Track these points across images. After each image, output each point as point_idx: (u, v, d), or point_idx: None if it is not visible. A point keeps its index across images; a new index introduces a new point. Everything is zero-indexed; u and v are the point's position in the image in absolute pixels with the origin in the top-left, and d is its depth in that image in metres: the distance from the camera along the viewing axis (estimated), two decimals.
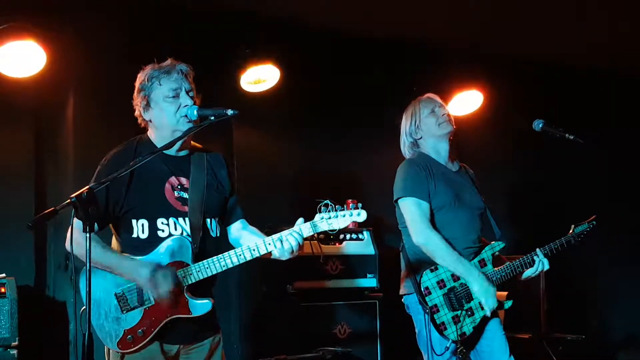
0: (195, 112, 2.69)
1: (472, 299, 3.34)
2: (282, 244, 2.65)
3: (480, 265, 3.41)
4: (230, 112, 2.59)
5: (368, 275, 4.54)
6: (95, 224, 2.42)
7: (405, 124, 3.60)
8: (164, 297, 2.59)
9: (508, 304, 3.42)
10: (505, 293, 3.48)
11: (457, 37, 5.34)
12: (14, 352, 3.64)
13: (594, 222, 3.58)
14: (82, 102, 4.37)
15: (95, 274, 2.45)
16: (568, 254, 3.58)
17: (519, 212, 5.67)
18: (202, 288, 2.70)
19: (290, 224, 4.42)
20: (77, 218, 2.26)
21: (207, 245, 2.74)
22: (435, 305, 3.31)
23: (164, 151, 2.75)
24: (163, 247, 2.67)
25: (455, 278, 3.35)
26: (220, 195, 2.86)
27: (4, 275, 3.74)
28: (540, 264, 3.42)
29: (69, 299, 4.22)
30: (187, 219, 2.72)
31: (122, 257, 2.66)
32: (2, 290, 3.67)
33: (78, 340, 2.30)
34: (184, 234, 2.71)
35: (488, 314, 3.31)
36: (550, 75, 5.93)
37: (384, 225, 5.14)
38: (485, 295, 3.30)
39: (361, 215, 2.69)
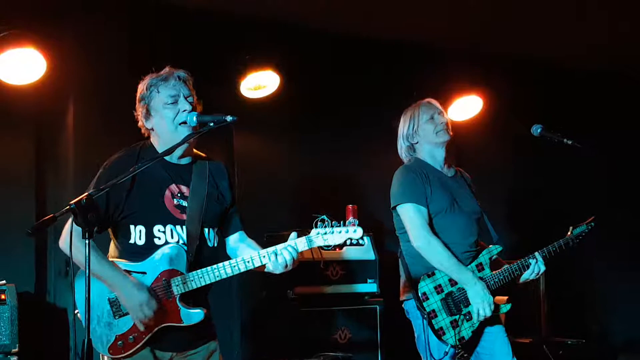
0: (194, 118, 2.70)
1: (470, 304, 3.34)
2: (277, 258, 2.66)
3: (478, 269, 3.41)
4: (229, 118, 2.60)
5: (368, 281, 4.54)
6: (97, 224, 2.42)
7: (403, 127, 3.61)
8: (141, 322, 2.60)
9: (506, 307, 3.42)
10: (506, 297, 3.48)
11: (456, 40, 5.36)
12: (14, 358, 3.65)
13: (593, 224, 3.58)
14: (82, 108, 4.38)
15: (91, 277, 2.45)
16: (568, 258, 3.59)
17: (518, 217, 5.67)
18: (195, 297, 2.70)
19: (291, 228, 4.44)
20: (76, 224, 2.27)
21: (203, 254, 2.74)
22: (433, 311, 3.32)
23: (166, 159, 2.77)
24: (158, 254, 2.67)
25: (453, 283, 3.36)
26: (220, 206, 2.86)
27: (4, 281, 3.74)
28: (537, 266, 3.42)
29: (69, 305, 4.22)
30: (184, 227, 2.72)
31: (116, 270, 2.63)
32: (3, 296, 3.68)
33: (78, 344, 2.31)
34: (180, 242, 2.71)
35: (480, 319, 3.32)
36: (550, 78, 5.94)
37: (385, 231, 5.14)
38: (481, 304, 3.31)
39: (357, 233, 2.70)
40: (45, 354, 4.11)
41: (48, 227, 2.44)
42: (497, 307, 3.37)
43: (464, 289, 3.35)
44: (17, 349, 3.66)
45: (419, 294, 3.33)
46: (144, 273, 2.66)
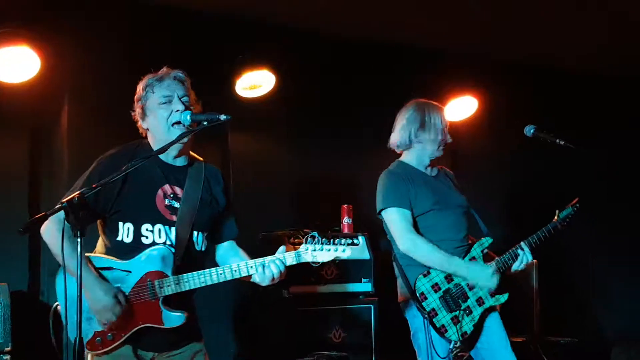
0: (188, 117, 2.69)
1: (468, 298, 3.39)
2: (264, 270, 2.67)
3: None
4: (223, 117, 2.61)
5: (363, 280, 4.54)
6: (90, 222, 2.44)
7: (410, 124, 3.57)
8: (104, 325, 2.60)
9: (504, 297, 3.45)
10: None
11: (453, 42, 5.37)
12: (7, 357, 3.64)
13: (577, 205, 3.61)
14: (76, 107, 4.37)
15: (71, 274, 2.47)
16: (561, 257, 3.62)
17: (514, 215, 5.68)
18: (180, 300, 2.70)
19: (286, 228, 4.46)
20: (68, 222, 2.26)
21: (190, 258, 2.74)
22: (433, 309, 3.34)
23: (163, 159, 2.77)
24: (145, 254, 2.67)
25: (449, 280, 3.39)
26: (213, 211, 2.86)
27: None
28: (524, 256, 3.46)
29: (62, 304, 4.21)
30: (173, 228, 2.72)
31: (88, 270, 2.60)
32: None
33: (70, 340, 2.31)
34: (168, 243, 2.70)
35: (488, 295, 3.36)
36: (545, 80, 5.96)
37: (379, 230, 5.13)
38: (483, 279, 3.36)
39: (346, 252, 2.72)
40: (39, 352, 4.10)
41: (40, 225, 2.45)
42: (494, 296, 3.42)
43: (460, 285, 3.39)
44: (10, 348, 3.65)
45: (417, 295, 3.36)
46: (129, 272, 2.66)
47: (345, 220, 4.76)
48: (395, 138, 3.63)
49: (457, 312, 3.35)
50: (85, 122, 4.37)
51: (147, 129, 2.82)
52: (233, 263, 2.72)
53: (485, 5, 4.84)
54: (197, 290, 2.76)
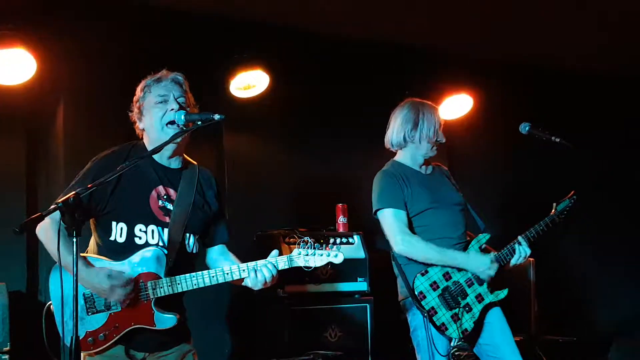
0: (182, 117, 2.71)
1: (467, 295, 3.41)
2: (256, 274, 2.69)
3: None
4: (217, 116, 2.63)
5: (359, 279, 4.54)
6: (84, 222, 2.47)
7: (404, 123, 3.59)
8: (121, 302, 2.62)
9: (503, 293, 3.48)
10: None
11: (451, 41, 5.38)
12: (6, 357, 3.65)
13: (575, 197, 3.63)
14: (72, 108, 4.39)
15: (66, 270, 2.48)
16: (558, 256, 3.63)
17: (508, 213, 5.70)
18: (171, 301, 2.71)
19: (280, 228, 4.47)
20: (64, 223, 2.28)
21: (182, 260, 2.76)
22: (433, 308, 3.36)
23: (157, 160, 2.79)
24: (138, 256, 2.69)
25: (448, 278, 3.42)
26: (205, 215, 2.88)
27: None
28: (522, 250, 3.48)
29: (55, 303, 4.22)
30: (166, 230, 2.74)
31: (84, 263, 2.63)
32: None
33: (65, 339, 2.33)
34: (160, 244, 2.72)
35: (487, 291, 3.39)
36: (540, 79, 5.98)
37: (375, 230, 5.14)
38: (481, 267, 3.39)
39: (338, 258, 2.75)
40: (37, 352, 4.11)
41: (36, 226, 2.47)
42: (493, 292, 3.45)
43: (459, 282, 3.41)
44: (8, 348, 3.67)
45: (416, 294, 3.38)
46: (122, 273, 2.67)
47: (341, 219, 4.77)
48: (390, 137, 3.65)
49: (457, 309, 3.37)
50: (81, 124, 4.39)
51: (143, 130, 2.84)
52: (225, 266, 2.73)
53: (483, 4, 4.86)
54: (192, 291, 2.77)
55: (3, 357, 3.65)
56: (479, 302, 3.43)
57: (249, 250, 2.95)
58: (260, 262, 2.72)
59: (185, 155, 2.91)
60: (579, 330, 5.47)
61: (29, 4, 4.15)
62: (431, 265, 3.43)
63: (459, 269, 3.46)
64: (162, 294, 2.66)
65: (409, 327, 3.54)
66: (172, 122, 2.74)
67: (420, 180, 3.56)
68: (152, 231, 2.72)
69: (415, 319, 3.46)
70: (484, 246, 3.53)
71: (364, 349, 4.46)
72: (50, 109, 4.41)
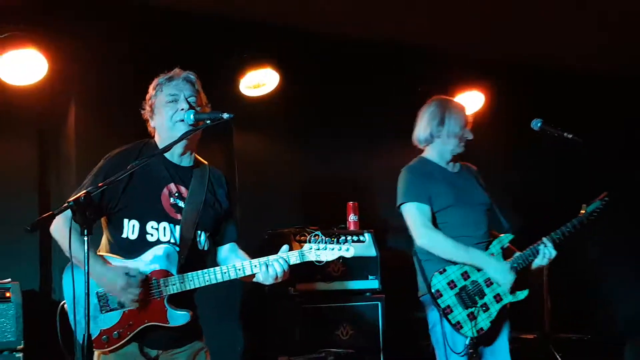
0: (191, 116, 2.72)
1: (485, 295, 3.41)
2: (267, 269, 2.69)
3: None
4: (225, 115, 2.63)
5: (370, 277, 4.55)
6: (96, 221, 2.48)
7: (431, 119, 3.62)
8: (132, 302, 2.63)
9: (523, 293, 3.47)
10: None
11: (455, 41, 5.37)
12: (20, 355, 3.68)
13: (607, 199, 3.59)
14: (83, 108, 4.42)
15: (79, 269, 2.50)
16: (570, 252, 3.61)
17: (519, 210, 5.67)
18: (183, 298, 2.72)
19: (291, 226, 4.47)
20: (75, 221, 2.29)
21: (194, 257, 2.76)
22: (448, 306, 3.37)
23: (169, 158, 2.81)
24: (150, 253, 2.69)
25: (466, 277, 3.43)
26: (216, 213, 2.89)
27: (9, 279, 3.77)
28: (547, 251, 3.47)
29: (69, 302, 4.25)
30: (178, 227, 2.75)
31: (98, 260, 2.64)
32: (8, 294, 3.70)
33: (78, 337, 2.34)
34: (172, 241, 2.73)
35: (508, 289, 3.38)
36: (541, 79, 5.94)
37: (386, 227, 5.16)
38: (501, 272, 3.39)
39: (349, 252, 2.74)
40: (50, 350, 4.14)
41: (48, 224, 2.48)
42: (514, 292, 3.44)
43: (477, 282, 3.42)
44: (22, 346, 3.69)
45: (433, 291, 3.39)
46: (138, 270, 2.66)
47: (351, 217, 4.77)
48: (417, 134, 3.68)
49: (474, 308, 3.37)
50: (92, 123, 4.42)
51: (154, 128, 2.87)
52: (237, 262, 2.74)
53: (483, 4, 4.84)
54: (204, 289, 2.79)
55: (17, 355, 3.68)
56: (497, 302, 3.43)
57: (260, 249, 2.95)
58: (272, 257, 2.71)
59: (197, 155, 2.93)
60: (592, 328, 5.43)
61: (40, 5, 4.17)
62: (450, 263, 3.43)
63: (479, 269, 3.46)
64: (175, 291, 2.67)
65: (427, 324, 3.56)
66: (181, 121, 2.75)
67: (445, 177, 3.58)
68: (164, 228, 2.73)
69: (433, 315, 3.48)
70: (506, 246, 3.54)
71: (376, 347, 4.46)
72: (62, 109, 4.44)
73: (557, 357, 4.75)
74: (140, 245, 2.70)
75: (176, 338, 2.75)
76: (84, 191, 2.32)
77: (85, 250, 2.28)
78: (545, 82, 5.91)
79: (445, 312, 3.35)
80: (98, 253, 2.75)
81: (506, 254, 3.53)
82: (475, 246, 3.46)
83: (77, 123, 4.38)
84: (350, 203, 4.79)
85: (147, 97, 2.86)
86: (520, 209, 5.64)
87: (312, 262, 2.76)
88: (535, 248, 3.48)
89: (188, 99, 2.78)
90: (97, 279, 2.62)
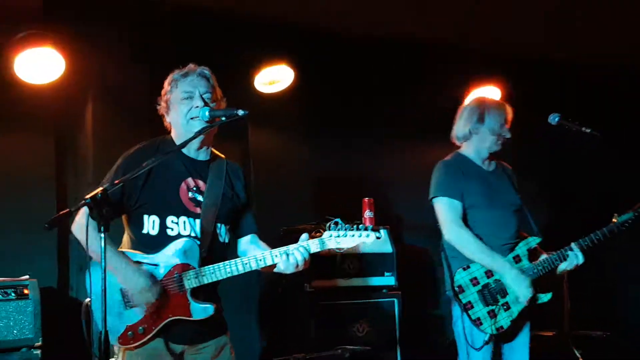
0: (206, 113, 2.72)
1: (508, 294, 3.42)
2: (288, 258, 2.67)
3: (515, 261, 3.50)
4: (240, 112, 2.63)
5: (386, 274, 4.54)
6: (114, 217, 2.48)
7: (470, 116, 3.65)
8: (145, 306, 2.64)
9: (547, 296, 3.48)
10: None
11: (473, 37, 5.33)
12: (38, 352, 3.69)
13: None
14: (100, 106, 4.45)
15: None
16: (590, 249, 3.57)
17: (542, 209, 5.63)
18: (206, 291, 2.73)
19: (307, 223, 4.47)
20: (92, 218, 2.30)
21: (215, 250, 2.77)
22: (469, 302, 3.41)
23: (185, 153, 2.82)
24: (171, 247, 2.70)
25: (489, 275, 3.45)
26: (234, 205, 2.90)
27: (27, 276, 3.80)
28: (575, 257, 3.48)
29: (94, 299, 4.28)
30: (198, 220, 2.76)
31: (120, 257, 2.65)
32: (26, 291, 3.73)
33: (94, 334, 2.35)
34: (193, 235, 2.74)
35: (524, 303, 3.39)
36: (568, 74, 5.88)
37: (402, 223, 5.14)
38: (518, 286, 3.39)
39: (370, 237, 2.70)
40: (68, 347, 4.18)
41: (66, 221, 2.49)
42: (536, 295, 3.44)
43: (500, 281, 3.43)
44: (40, 343, 3.71)
45: (455, 287, 3.43)
46: (156, 265, 2.70)
47: (367, 213, 4.75)
48: (456, 130, 3.71)
49: (495, 306, 3.39)
50: (109, 121, 4.44)
51: (170, 123, 2.88)
52: (257, 253, 2.73)
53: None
54: (222, 285, 2.80)
55: (35, 352, 3.70)
56: (519, 302, 3.43)
57: (275, 246, 2.93)
58: (292, 246, 2.70)
59: (213, 149, 2.93)
60: (612, 325, 5.38)
61: (57, 4, 4.20)
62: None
63: None
64: (197, 284, 2.68)
65: (443, 321, 3.58)
66: (195, 117, 2.76)
67: (479, 174, 3.61)
68: (184, 222, 2.74)
69: (456, 310, 3.51)
70: (533, 248, 3.55)
71: (392, 344, 4.45)
72: (79, 107, 4.47)
73: (577, 354, 4.72)
74: (161, 240, 2.71)
75: (201, 332, 2.76)
76: (101, 188, 2.33)
77: (102, 247, 2.29)
78: (563, 77, 5.85)
79: (466, 308, 3.39)
80: (121, 249, 2.76)
81: (533, 255, 3.54)
82: (501, 247, 3.48)
83: (94, 121, 4.41)
84: (366, 199, 4.77)
85: (163, 92, 2.88)
86: (540, 208, 5.60)
87: (332, 250, 2.71)
88: (563, 253, 3.49)
89: (203, 96, 2.78)
90: (120, 275, 2.63)
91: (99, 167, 4.21)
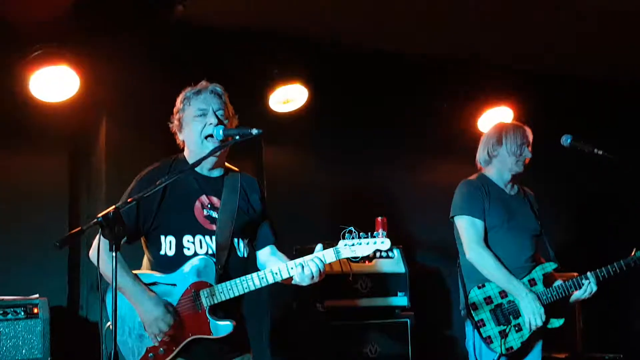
0: (220, 132, 2.72)
1: (520, 315, 3.44)
2: (303, 269, 2.65)
3: (530, 285, 3.51)
4: (255, 131, 2.62)
5: (399, 294, 4.50)
6: (125, 237, 2.47)
7: (492, 137, 3.71)
8: (155, 336, 2.62)
9: (559, 322, 3.49)
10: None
11: (488, 54, 5.33)
12: None
13: None
14: (115, 125, 4.46)
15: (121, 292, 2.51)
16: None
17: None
18: (226, 309, 2.71)
19: (320, 241, 4.43)
20: (104, 237, 2.29)
21: (233, 265, 2.76)
22: (482, 320, 3.43)
23: (198, 171, 2.81)
24: (188, 266, 2.70)
25: (503, 295, 3.47)
26: (251, 218, 2.88)
27: (37, 295, 3.79)
28: (589, 286, 3.50)
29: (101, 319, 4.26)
30: (214, 237, 2.75)
31: (136, 284, 2.65)
32: (35, 310, 3.71)
33: (122, 356, 2.33)
34: (210, 252, 2.73)
35: (532, 329, 3.40)
36: (578, 91, 5.85)
37: (415, 243, 5.10)
38: (532, 313, 3.40)
39: (385, 244, 2.68)
40: None
41: (77, 240, 2.48)
42: (548, 320, 3.44)
43: (514, 302, 3.45)
44: None
45: (469, 304, 3.46)
46: (174, 285, 2.69)
47: (380, 233, 4.71)
48: (478, 155, 3.77)
49: (506, 327, 3.40)
50: (123, 139, 4.45)
51: (183, 141, 2.87)
52: (274, 266, 2.71)
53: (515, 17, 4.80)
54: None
55: None
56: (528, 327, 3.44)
57: None
58: (307, 257, 2.68)
59: (227, 164, 2.92)
60: (625, 347, 5.29)
61: (72, 22, 4.23)
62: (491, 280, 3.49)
63: None
64: (215, 302, 2.66)
65: (456, 342, 3.57)
66: (210, 136, 2.75)
67: (500, 197, 3.64)
68: (200, 241, 2.73)
69: (468, 327, 3.53)
70: (549, 274, 3.56)
71: None
72: (93, 126, 4.49)
73: None
74: (178, 260, 2.71)
75: (223, 351, 2.73)
76: (113, 207, 2.32)
77: (113, 266, 2.26)
78: (578, 95, 5.82)
79: (478, 325, 3.41)
80: (139, 271, 2.75)
81: (548, 280, 3.55)
82: (516, 269, 3.50)
83: (108, 139, 4.42)
84: (379, 218, 4.72)
85: (175, 110, 2.87)
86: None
87: (348, 259, 2.69)
88: (578, 281, 3.50)
89: (216, 112, 2.78)
90: (134, 303, 2.63)
91: (113, 186, 4.22)
